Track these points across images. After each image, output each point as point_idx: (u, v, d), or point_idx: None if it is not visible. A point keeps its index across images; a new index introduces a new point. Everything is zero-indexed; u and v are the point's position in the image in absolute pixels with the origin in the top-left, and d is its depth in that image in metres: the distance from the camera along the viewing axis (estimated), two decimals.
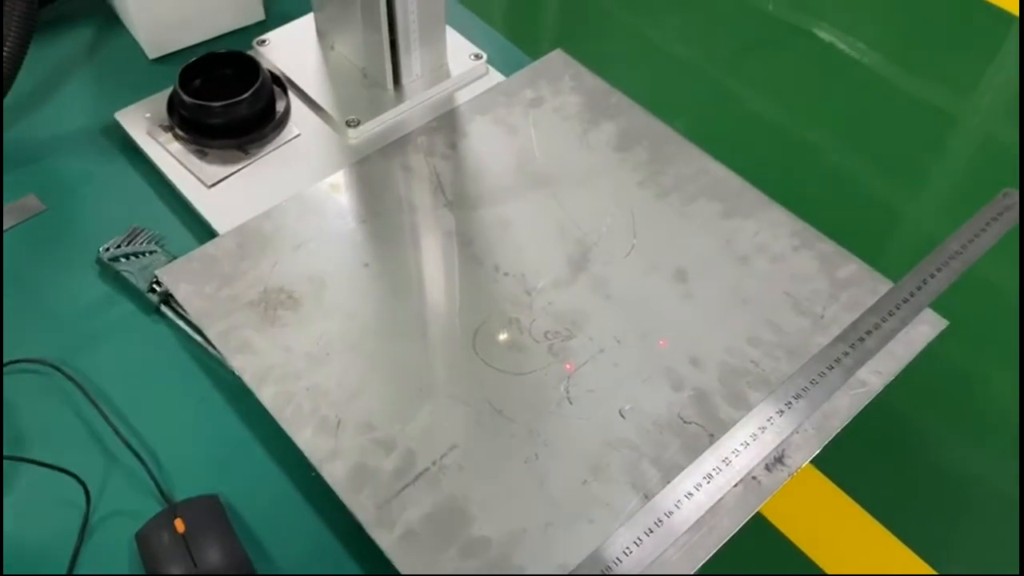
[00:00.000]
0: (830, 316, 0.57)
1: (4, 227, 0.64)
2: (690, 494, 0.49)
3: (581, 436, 0.52)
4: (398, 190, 0.65)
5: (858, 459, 0.99)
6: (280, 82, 0.71)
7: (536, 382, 0.54)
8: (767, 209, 0.63)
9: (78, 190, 0.67)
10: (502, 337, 0.56)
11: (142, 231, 0.63)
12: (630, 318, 0.57)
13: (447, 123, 0.69)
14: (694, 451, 0.51)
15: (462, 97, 0.72)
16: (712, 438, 0.52)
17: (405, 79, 0.71)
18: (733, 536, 0.48)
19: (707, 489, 0.49)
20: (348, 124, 0.68)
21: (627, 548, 0.46)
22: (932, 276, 0.58)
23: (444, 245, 0.62)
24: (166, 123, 0.68)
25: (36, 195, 0.66)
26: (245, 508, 0.52)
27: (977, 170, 1.34)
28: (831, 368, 0.54)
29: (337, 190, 0.64)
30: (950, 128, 1.40)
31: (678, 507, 0.48)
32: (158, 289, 0.59)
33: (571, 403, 0.53)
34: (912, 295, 0.57)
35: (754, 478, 0.50)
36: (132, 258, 0.61)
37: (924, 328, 0.56)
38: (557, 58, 0.74)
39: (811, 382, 0.53)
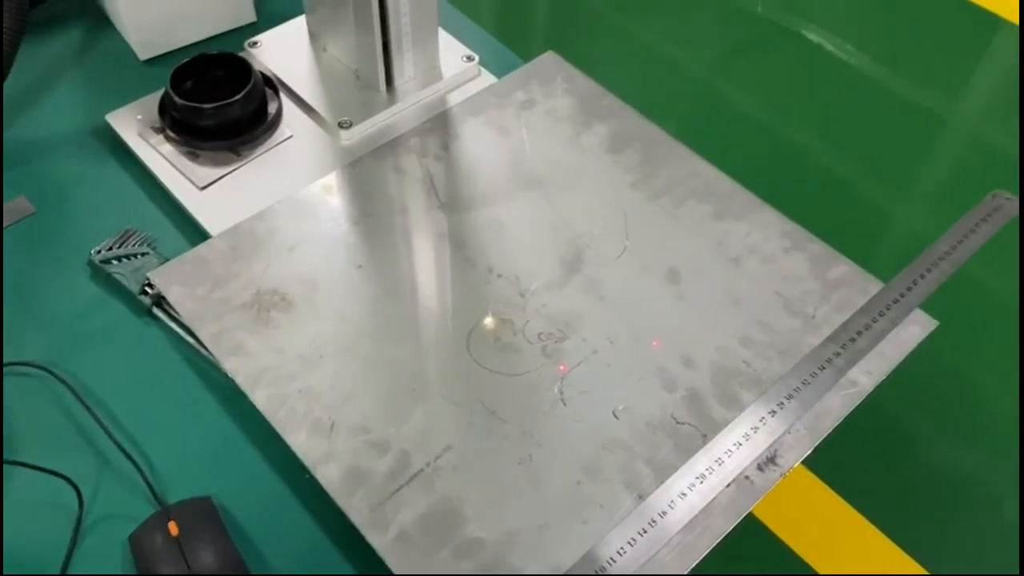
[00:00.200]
0: (821, 317, 0.58)
1: None
2: (683, 494, 0.49)
3: (575, 437, 0.52)
4: (391, 192, 0.65)
5: (849, 459, 1.00)
6: (272, 84, 0.71)
7: (530, 383, 0.54)
8: (758, 211, 0.64)
9: (69, 192, 0.67)
10: (496, 339, 0.56)
11: (134, 233, 0.62)
12: (623, 319, 0.57)
13: (440, 125, 0.69)
14: (687, 451, 0.51)
15: (454, 99, 0.72)
16: (705, 438, 0.52)
17: (397, 81, 0.71)
18: (726, 536, 0.48)
19: (700, 489, 0.49)
20: (340, 126, 0.68)
21: (621, 548, 0.47)
22: (922, 277, 0.58)
23: (437, 247, 0.62)
24: (157, 125, 0.68)
25: (27, 197, 0.65)
26: (239, 510, 0.52)
27: (965, 171, 1.35)
28: (822, 368, 0.54)
29: (330, 192, 0.64)
30: (938, 129, 1.41)
31: (671, 507, 0.48)
32: (150, 291, 0.59)
33: (565, 404, 0.53)
34: (902, 296, 0.57)
35: (747, 478, 0.50)
36: (124, 260, 0.61)
37: (914, 328, 0.57)
38: (549, 60, 0.74)
39: (803, 382, 0.54)
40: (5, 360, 0.56)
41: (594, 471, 0.51)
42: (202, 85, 0.68)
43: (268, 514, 0.52)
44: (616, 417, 0.53)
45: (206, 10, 0.76)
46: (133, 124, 0.68)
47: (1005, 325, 1.14)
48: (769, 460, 0.51)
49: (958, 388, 1.08)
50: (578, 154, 0.67)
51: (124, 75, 0.74)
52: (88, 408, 0.54)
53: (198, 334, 0.56)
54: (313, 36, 0.75)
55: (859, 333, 0.56)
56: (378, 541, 0.48)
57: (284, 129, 0.69)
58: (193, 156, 0.67)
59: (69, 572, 0.49)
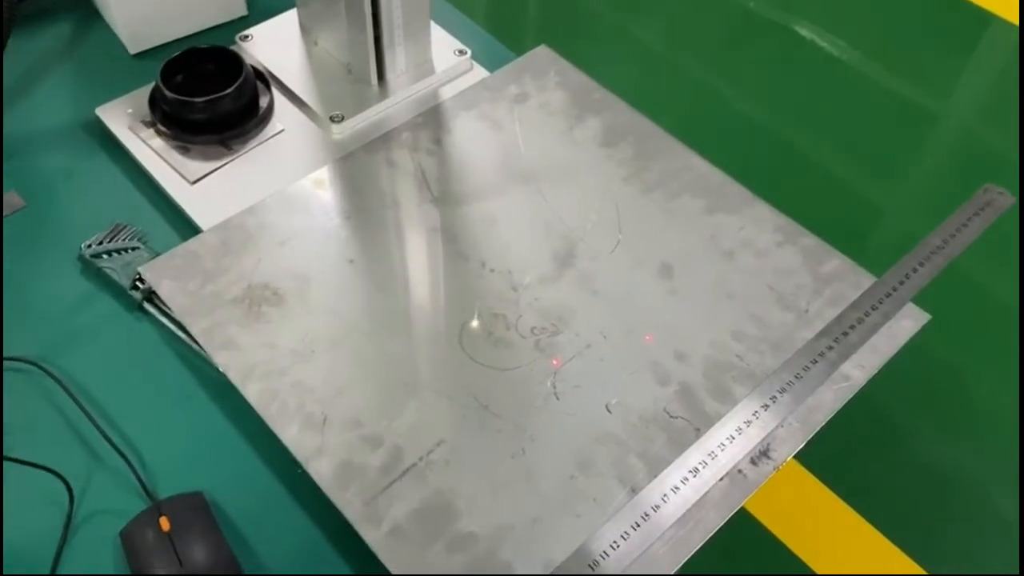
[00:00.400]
0: (814, 311, 0.58)
1: None
2: (676, 488, 0.49)
3: (568, 431, 0.52)
4: (383, 186, 0.64)
5: (842, 454, 1.00)
6: (263, 78, 0.71)
7: (523, 378, 0.54)
8: (751, 205, 0.64)
9: (59, 186, 0.66)
10: (488, 333, 0.56)
11: (124, 227, 0.62)
12: (616, 313, 0.57)
13: (432, 119, 0.69)
14: (680, 445, 0.51)
15: (446, 93, 0.71)
16: (698, 432, 0.52)
17: (389, 75, 0.71)
18: (719, 530, 0.48)
19: (693, 483, 0.49)
20: (332, 120, 0.68)
21: (614, 542, 0.47)
22: (914, 271, 0.58)
23: (429, 241, 0.62)
24: (148, 119, 0.68)
25: (17, 191, 0.65)
26: (231, 506, 0.51)
27: (956, 166, 1.36)
28: (815, 362, 0.54)
29: (321, 186, 0.64)
30: (930, 124, 1.42)
31: (664, 501, 0.48)
32: (141, 286, 0.59)
33: (558, 398, 0.53)
34: (895, 289, 0.58)
35: (740, 472, 0.50)
36: (114, 255, 0.61)
37: (907, 322, 0.57)
38: (542, 54, 0.74)
39: (795, 376, 0.54)
40: None
41: (587, 465, 0.51)
42: (193, 79, 0.68)
43: (260, 509, 0.51)
44: (609, 411, 0.53)
45: (197, 4, 0.75)
46: (123, 118, 0.68)
47: (997, 319, 1.14)
48: (762, 454, 0.51)
49: (950, 382, 1.08)
50: (571, 148, 0.67)
51: (114, 69, 0.74)
52: (78, 403, 0.54)
53: (189, 329, 0.56)
54: (304, 30, 0.75)
55: (852, 327, 0.56)
56: (371, 536, 0.47)
57: (275, 123, 0.69)
58: (184, 150, 0.66)
59: (60, 568, 0.48)
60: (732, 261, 0.60)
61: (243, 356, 0.54)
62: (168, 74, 0.67)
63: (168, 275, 0.58)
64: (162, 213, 0.65)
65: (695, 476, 0.49)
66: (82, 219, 0.63)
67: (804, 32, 1.53)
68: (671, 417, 0.53)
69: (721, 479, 0.49)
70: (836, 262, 0.60)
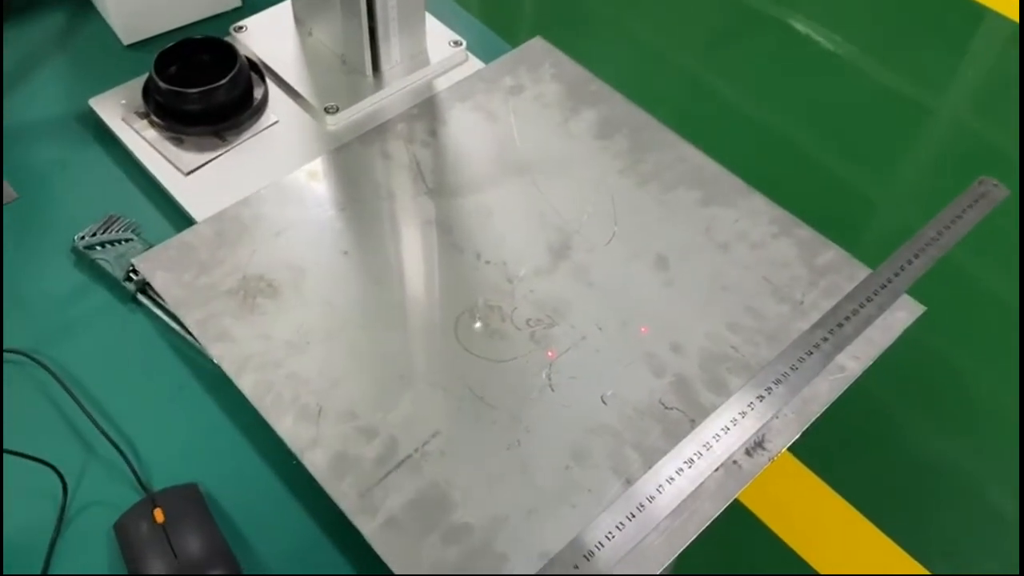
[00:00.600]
0: (809, 302, 0.58)
1: None
2: (671, 479, 0.49)
3: (563, 422, 0.52)
4: (377, 177, 0.64)
5: (835, 445, 1.00)
6: (258, 69, 0.70)
7: (518, 369, 0.54)
8: (746, 197, 0.64)
9: (52, 178, 0.66)
10: (484, 325, 0.56)
11: (118, 219, 0.62)
12: (611, 305, 0.57)
13: (427, 110, 0.69)
14: (675, 436, 0.51)
15: (441, 84, 0.71)
16: (693, 423, 0.52)
17: (384, 66, 0.70)
18: (714, 522, 0.48)
19: (688, 474, 0.49)
20: (327, 111, 0.68)
21: (609, 533, 0.47)
22: (909, 263, 0.58)
23: (424, 233, 0.61)
24: (142, 110, 0.67)
25: (9, 182, 0.65)
26: (225, 497, 0.51)
27: (951, 159, 1.36)
28: (810, 354, 0.54)
29: (316, 177, 0.64)
30: (925, 118, 1.42)
31: (660, 492, 0.48)
32: (135, 277, 0.59)
33: (553, 390, 0.53)
34: (890, 281, 0.58)
35: (735, 463, 0.50)
36: (108, 246, 0.60)
37: (902, 314, 0.57)
38: (537, 45, 0.74)
39: (791, 368, 0.54)
40: None
41: (582, 456, 0.51)
42: (187, 70, 0.68)
43: (255, 501, 0.51)
44: (604, 403, 0.53)
45: None
46: (117, 109, 0.68)
47: (992, 311, 1.15)
48: (757, 445, 0.51)
49: (945, 373, 1.09)
50: (566, 140, 0.67)
51: (107, 60, 0.73)
52: (72, 395, 0.54)
53: (183, 320, 0.56)
54: (299, 21, 0.74)
55: (847, 318, 0.56)
56: (366, 527, 0.47)
57: (270, 114, 0.69)
58: (178, 141, 0.66)
59: (53, 559, 0.48)
60: (727, 253, 0.60)
61: (238, 348, 0.54)
62: (162, 65, 0.66)
63: (162, 266, 0.58)
64: (156, 204, 0.64)
65: (690, 467, 0.49)
66: (75, 211, 0.63)
67: (800, 26, 1.53)
68: (666, 408, 0.53)
69: (716, 470, 0.50)
70: (831, 254, 0.60)
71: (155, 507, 0.48)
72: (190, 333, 0.56)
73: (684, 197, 0.63)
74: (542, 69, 0.72)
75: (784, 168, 1.30)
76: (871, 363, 0.55)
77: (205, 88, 0.65)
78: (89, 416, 0.53)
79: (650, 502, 0.48)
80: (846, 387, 0.54)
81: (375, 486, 0.49)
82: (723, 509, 0.49)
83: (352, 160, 0.65)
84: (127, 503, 0.49)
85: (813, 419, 0.52)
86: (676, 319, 0.57)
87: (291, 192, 0.63)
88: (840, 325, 0.56)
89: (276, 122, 0.68)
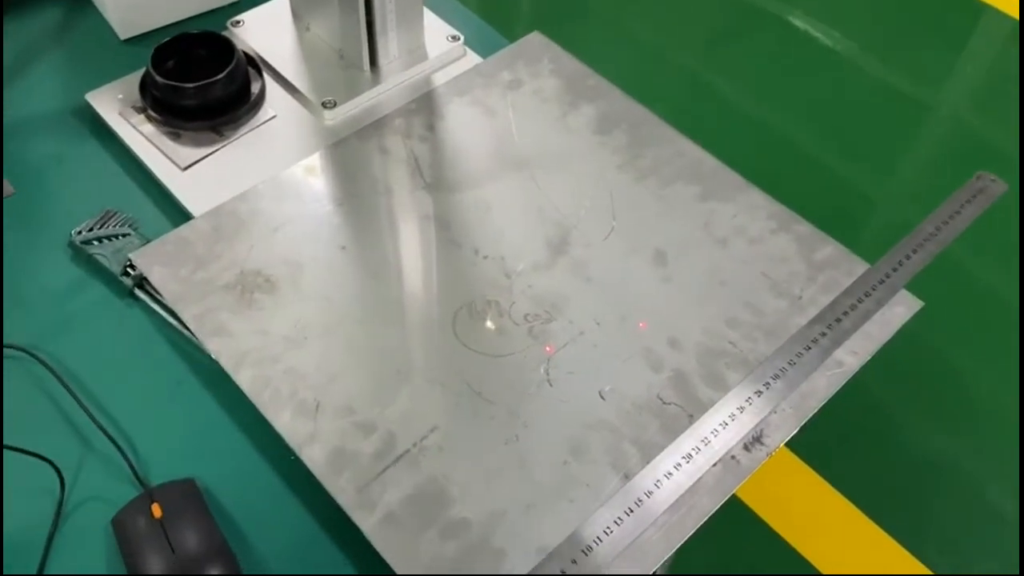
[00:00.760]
0: (807, 297, 0.58)
1: None
2: (669, 474, 0.49)
3: (561, 417, 0.52)
4: (375, 172, 0.64)
5: (833, 441, 1.00)
6: (255, 63, 0.70)
7: (516, 364, 0.54)
8: (745, 192, 0.64)
9: (49, 173, 0.66)
10: (482, 320, 0.56)
11: (115, 214, 0.62)
12: (609, 300, 0.57)
13: (425, 105, 0.68)
14: (673, 432, 0.51)
15: (439, 79, 0.71)
16: (691, 419, 0.52)
17: (382, 60, 0.70)
18: (712, 517, 0.48)
19: (686, 469, 0.49)
20: (324, 106, 0.67)
21: (607, 528, 0.47)
22: (908, 258, 0.58)
23: (422, 228, 0.61)
24: (139, 104, 0.67)
25: (5, 178, 0.64)
26: (223, 493, 0.51)
27: (949, 155, 1.36)
28: (808, 349, 0.54)
29: (313, 172, 0.64)
30: (923, 114, 1.42)
31: (658, 487, 0.48)
32: (132, 272, 0.58)
33: (551, 385, 0.53)
34: (888, 276, 0.58)
35: (733, 458, 0.50)
36: (105, 241, 0.60)
37: (900, 309, 0.57)
38: (535, 40, 0.73)
39: (789, 363, 0.54)
40: None
41: (580, 451, 0.51)
42: (184, 64, 0.68)
43: (252, 496, 0.51)
44: (602, 398, 0.53)
45: None
46: (114, 104, 0.68)
47: (990, 306, 1.15)
48: (755, 440, 0.51)
49: (943, 368, 1.09)
50: (565, 135, 0.67)
51: (104, 54, 0.73)
52: (70, 390, 0.53)
53: (181, 315, 0.56)
54: (296, 15, 0.74)
55: (845, 314, 0.56)
56: (364, 522, 0.47)
57: (267, 109, 0.68)
58: (175, 136, 0.66)
59: (51, 555, 0.48)
60: (726, 248, 0.60)
61: (235, 343, 0.54)
62: (159, 59, 0.66)
63: (159, 261, 0.58)
64: (153, 199, 0.64)
65: (688, 462, 0.49)
66: (72, 205, 0.63)
67: (798, 22, 1.53)
68: (664, 403, 0.53)
69: (714, 465, 0.50)
70: (830, 249, 0.60)
71: (152, 502, 0.48)
72: (187, 328, 0.56)
73: (682, 192, 0.63)
74: (540, 64, 0.71)
75: (783, 163, 1.30)
76: (869, 358, 0.55)
77: (202, 83, 0.65)
78: (86, 411, 0.53)
79: (648, 497, 0.48)
80: (844, 382, 0.54)
81: (373, 481, 0.49)
82: (721, 504, 0.49)
83: (350, 155, 0.65)
84: (124, 498, 0.49)
85: (811, 414, 0.52)
86: (674, 314, 0.57)
87: (288, 187, 0.62)
88: (838, 320, 0.56)
89: (273, 117, 0.68)
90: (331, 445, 0.50)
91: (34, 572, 0.47)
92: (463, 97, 0.69)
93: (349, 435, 0.50)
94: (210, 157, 0.65)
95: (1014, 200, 1.19)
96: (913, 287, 0.58)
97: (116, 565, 0.48)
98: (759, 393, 0.52)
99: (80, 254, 0.60)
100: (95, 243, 0.60)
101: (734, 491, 0.49)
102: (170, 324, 0.57)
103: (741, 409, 0.52)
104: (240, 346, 0.54)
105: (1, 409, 0.53)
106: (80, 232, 0.60)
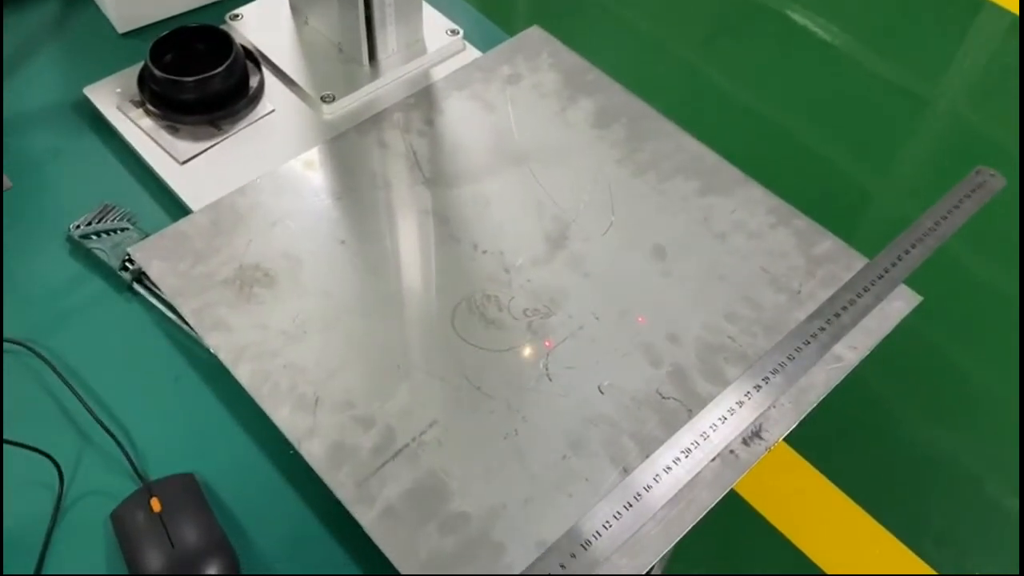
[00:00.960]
0: (806, 292, 0.58)
1: None
2: (668, 468, 0.49)
3: (560, 412, 0.52)
4: (374, 167, 0.64)
5: (831, 436, 1.01)
6: (253, 57, 0.70)
7: (515, 359, 0.54)
8: (744, 186, 0.63)
9: (46, 167, 0.65)
10: (481, 315, 0.56)
11: (113, 208, 0.62)
12: (608, 295, 0.57)
13: (424, 99, 0.68)
14: (672, 426, 0.51)
15: (438, 73, 0.71)
16: (690, 413, 0.52)
17: (381, 54, 0.70)
18: (711, 512, 0.48)
19: (685, 463, 0.49)
20: (323, 100, 0.67)
21: (606, 522, 0.47)
22: (907, 252, 0.58)
23: (421, 222, 0.61)
24: (137, 98, 0.67)
25: (4, 172, 0.64)
26: (222, 487, 0.51)
27: (948, 150, 1.36)
28: (807, 343, 0.54)
29: (312, 167, 0.64)
30: (922, 109, 1.42)
31: (656, 481, 0.48)
32: (130, 267, 0.58)
33: (550, 379, 0.53)
34: (887, 271, 0.58)
35: (732, 452, 0.50)
36: (103, 235, 0.60)
37: (899, 303, 0.57)
38: (534, 34, 0.73)
39: (788, 357, 0.54)
40: None
41: (579, 446, 0.51)
42: (182, 58, 0.67)
43: (252, 490, 0.51)
44: (601, 392, 0.53)
45: None
46: (112, 97, 0.67)
47: (989, 301, 1.15)
48: (754, 434, 0.51)
49: (941, 363, 1.09)
50: (564, 129, 0.67)
51: (102, 48, 0.73)
52: (69, 385, 0.53)
53: (180, 310, 0.56)
54: (295, 9, 0.74)
55: (844, 308, 0.56)
56: (364, 516, 0.47)
57: (266, 103, 0.68)
58: (173, 130, 0.66)
59: (50, 549, 0.48)
60: (725, 243, 0.60)
61: (234, 337, 0.54)
62: (157, 53, 0.66)
63: (158, 256, 0.58)
64: (151, 193, 0.64)
65: (687, 457, 0.49)
66: (70, 200, 0.63)
67: (797, 17, 1.53)
68: (663, 398, 0.53)
69: (713, 460, 0.50)
70: (829, 244, 0.60)
71: (152, 496, 0.48)
72: (186, 322, 0.55)
73: (682, 187, 0.63)
74: (539, 58, 0.71)
75: (782, 158, 1.30)
76: (868, 353, 0.55)
77: (201, 77, 0.64)
78: (85, 405, 0.53)
79: (647, 491, 0.48)
80: (843, 377, 0.54)
81: (372, 476, 0.49)
82: (720, 498, 0.49)
83: (348, 149, 0.65)
84: (124, 493, 0.49)
85: (810, 409, 0.52)
86: (673, 309, 0.57)
87: (287, 181, 0.62)
88: (837, 315, 0.56)
89: (272, 111, 0.68)
90: (330, 439, 0.50)
91: (33, 566, 0.47)
92: (462, 91, 0.69)
93: (348, 429, 0.50)
94: (209, 151, 0.65)
95: (1013, 195, 1.19)
96: (912, 282, 0.58)
97: (115, 560, 0.48)
98: (758, 388, 0.52)
99: (78, 248, 0.60)
100: (93, 237, 0.60)
101: (733, 485, 0.49)
102: (169, 318, 0.57)
103: (740, 404, 0.52)
104: (239, 340, 0.54)
105: (1, 403, 0.53)
106: (78, 226, 0.60)
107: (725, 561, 0.91)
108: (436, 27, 0.73)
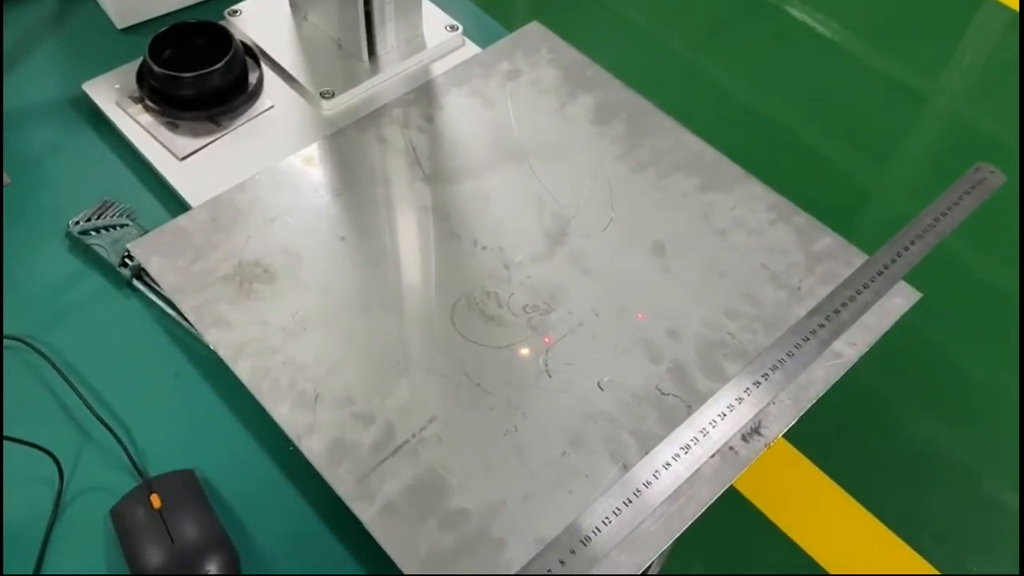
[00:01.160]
0: (806, 288, 0.58)
1: None
2: (668, 464, 0.49)
3: (560, 408, 0.52)
4: (373, 163, 0.64)
5: (831, 432, 1.01)
6: (253, 53, 0.70)
7: (515, 355, 0.54)
8: (744, 183, 0.63)
9: (45, 163, 0.65)
10: (481, 311, 0.56)
11: (112, 204, 0.62)
12: (608, 292, 0.57)
13: (423, 95, 0.68)
14: (672, 422, 0.51)
15: (438, 69, 0.71)
16: (690, 409, 0.52)
17: (380, 50, 0.70)
18: (710, 510, 0.49)
19: (685, 460, 0.49)
20: (322, 96, 0.67)
21: (606, 518, 0.47)
22: (906, 249, 0.58)
23: (421, 219, 0.61)
24: (136, 94, 0.67)
25: (3, 168, 0.64)
26: (222, 483, 0.51)
27: (947, 147, 1.36)
28: (807, 340, 0.54)
29: (311, 163, 0.64)
30: (922, 105, 1.42)
31: (656, 477, 0.48)
32: (130, 263, 0.58)
33: (550, 376, 0.53)
34: (887, 267, 0.58)
35: (731, 448, 0.50)
36: (103, 232, 0.60)
37: (898, 300, 0.57)
38: (534, 30, 0.73)
39: (787, 354, 0.54)
40: None
41: (579, 442, 0.51)
42: (181, 54, 0.67)
43: (252, 486, 0.51)
44: (601, 388, 0.53)
45: None
46: (111, 93, 0.67)
47: (988, 297, 1.15)
48: (753, 431, 0.51)
49: (941, 360, 1.09)
50: (563, 125, 0.67)
51: (101, 44, 0.73)
52: (68, 381, 0.53)
53: (179, 306, 0.55)
54: (294, 5, 0.74)
55: (843, 305, 0.56)
56: (364, 513, 0.47)
57: (265, 99, 0.68)
58: (172, 126, 0.66)
59: (50, 546, 0.48)
60: (725, 239, 0.60)
61: (234, 333, 0.54)
62: (156, 49, 0.66)
63: (157, 252, 0.58)
64: (151, 190, 0.64)
65: (686, 453, 0.49)
66: (69, 196, 0.62)
67: (796, 13, 1.52)
68: (663, 394, 0.53)
69: (712, 456, 0.50)
70: (828, 240, 0.60)
71: (151, 493, 0.48)
72: (186, 319, 0.55)
73: (682, 183, 0.63)
74: (539, 54, 0.71)
75: (782, 154, 1.30)
76: (867, 349, 0.55)
77: (200, 72, 0.64)
78: (85, 402, 0.53)
79: (647, 487, 0.48)
80: (842, 373, 0.54)
81: (372, 472, 0.49)
82: (719, 495, 0.49)
83: (348, 145, 0.65)
84: (123, 489, 0.49)
85: (809, 405, 0.53)
86: (673, 305, 0.57)
87: (287, 177, 0.62)
88: (837, 311, 0.56)
89: (271, 107, 0.68)
90: (330, 436, 0.50)
91: (33, 562, 0.47)
92: (461, 87, 0.69)
93: (348, 426, 0.50)
94: (208, 147, 0.65)
95: (1013, 191, 1.19)
96: (912, 278, 0.58)
97: (115, 556, 0.48)
98: (757, 384, 0.52)
99: (78, 244, 0.60)
100: (93, 233, 0.60)
101: (732, 482, 0.49)
102: (168, 315, 0.57)
103: (740, 400, 0.52)
104: (239, 337, 0.54)
105: (1, 400, 0.53)
106: (78, 222, 0.60)
107: (724, 557, 0.91)
108: (435, 23, 0.73)
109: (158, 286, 0.57)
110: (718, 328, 0.56)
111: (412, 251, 0.60)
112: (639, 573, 0.46)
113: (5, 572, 0.47)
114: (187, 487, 0.49)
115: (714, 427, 0.50)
